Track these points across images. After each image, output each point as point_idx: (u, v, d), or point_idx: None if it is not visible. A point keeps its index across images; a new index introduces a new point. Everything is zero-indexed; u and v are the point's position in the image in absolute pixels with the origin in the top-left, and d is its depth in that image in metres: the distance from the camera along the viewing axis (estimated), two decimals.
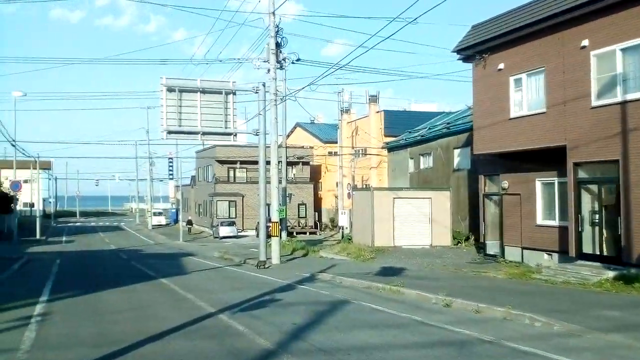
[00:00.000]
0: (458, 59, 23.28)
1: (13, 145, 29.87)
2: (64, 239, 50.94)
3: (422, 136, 35.30)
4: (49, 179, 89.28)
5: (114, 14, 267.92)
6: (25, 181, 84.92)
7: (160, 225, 67.01)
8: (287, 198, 42.36)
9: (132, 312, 12.67)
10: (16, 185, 29.83)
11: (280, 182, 29.75)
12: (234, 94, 26.21)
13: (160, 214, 71.27)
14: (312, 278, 19.46)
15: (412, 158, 36.10)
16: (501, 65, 20.98)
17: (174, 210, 73.30)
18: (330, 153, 55.22)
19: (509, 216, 21.81)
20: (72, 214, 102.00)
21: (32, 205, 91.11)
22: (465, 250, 26.67)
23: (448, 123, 33.97)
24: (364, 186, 46.03)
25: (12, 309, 13.14)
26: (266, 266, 24.11)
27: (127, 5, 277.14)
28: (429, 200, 28.49)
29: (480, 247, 24.94)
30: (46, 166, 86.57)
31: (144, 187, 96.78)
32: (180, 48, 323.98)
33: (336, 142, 49.93)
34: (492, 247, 23.13)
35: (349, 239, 31.55)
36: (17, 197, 67.48)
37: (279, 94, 29.09)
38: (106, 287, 17.10)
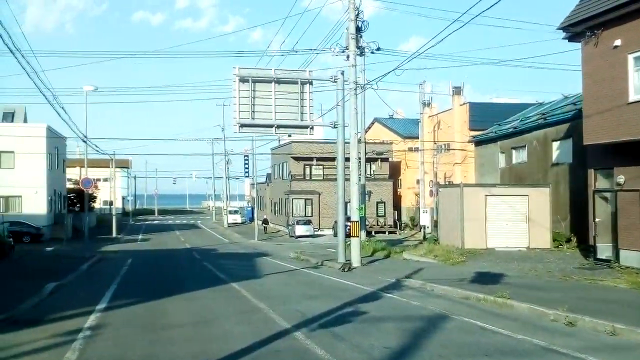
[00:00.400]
0: (563, 38, 20.51)
1: (84, 142, 29.01)
2: (139, 237, 50.61)
3: (514, 128, 32.37)
4: (128, 177, 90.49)
5: (193, 16, 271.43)
6: (105, 179, 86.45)
7: (235, 224, 66.20)
8: (366, 196, 40.29)
9: (194, 327, 10.86)
10: (88, 182, 29.01)
11: (359, 179, 27.67)
12: (311, 83, 24.31)
13: (235, 212, 70.54)
14: (399, 284, 17.29)
15: (502, 152, 33.21)
16: (617, 42, 18.14)
17: (249, 209, 72.44)
18: (410, 149, 52.71)
19: (625, 215, 18.91)
20: (151, 212, 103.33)
21: (110, 203, 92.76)
22: (568, 253, 23.79)
23: (543, 113, 30.95)
24: (447, 183, 43.37)
25: (64, 319, 11.66)
26: (350, 268, 22.13)
27: (206, 6, 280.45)
28: (525, 197, 25.66)
29: (587, 249, 22.09)
30: (125, 165, 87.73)
31: (220, 186, 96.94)
32: (256, 46, 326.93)
33: (416, 138, 47.43)
34: (603, 250, 20.26)
35: (435, 240, 29.08)
36: (95, 194, 68.21)
37: (359, 83, 27.02)
38: (172, 292, 15.52)
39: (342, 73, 24.25)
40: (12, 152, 43.18)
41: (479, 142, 36.91)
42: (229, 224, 64.15)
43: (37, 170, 43.48)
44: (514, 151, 31.99)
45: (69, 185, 62.74)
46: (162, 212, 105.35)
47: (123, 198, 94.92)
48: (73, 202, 60.40)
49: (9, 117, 47.18)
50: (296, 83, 23.91)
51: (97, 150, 41.94)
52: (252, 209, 71.56)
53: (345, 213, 24.74)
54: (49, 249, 37.23)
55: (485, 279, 17.17)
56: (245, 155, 72.79)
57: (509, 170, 32.26)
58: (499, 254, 23.78)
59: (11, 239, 30.60)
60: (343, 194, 24.29)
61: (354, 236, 23.70)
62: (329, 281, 19.01)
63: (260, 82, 23.77)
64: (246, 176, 73.33)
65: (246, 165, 73.10)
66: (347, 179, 24.85)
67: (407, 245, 33.61)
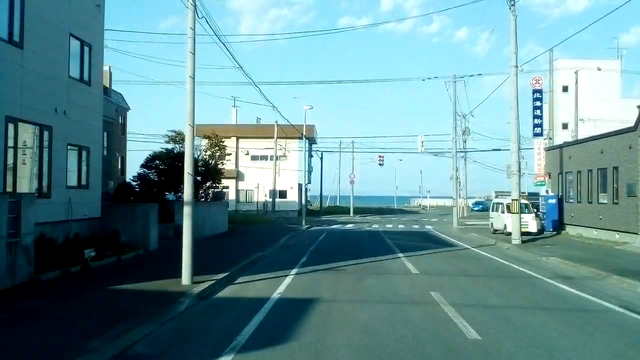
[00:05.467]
0: None
1: None
2: (289, 278, 14.34)
3: None
4: (305, 152, 56.08)
5: (397, 17, 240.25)
6: (270, 157, 53.25)
7: (528, 234, 28.19)
8: None
9: None
10: None
11: None
12: None
13: (524, 208, 30.64)
14: None
15: None
16: None
17: (552, 202, 32.73)
18: None
19: None
20: (342, 211, 68.89)
21: (278, 194, 58.47)
22: None
23: None
24: None
25: None
26: None
27: (411, 7, 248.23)
28: None
29: None
30: (304, 133, 52.87)
31: (462, 167, 59.82)
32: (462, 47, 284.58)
33: None
34: None
35: None
36: (220, 165, 33.56)
37: None
38: None
39: None
40: None
41: None
42: (522, 234, 25.97)
43: None
44: None
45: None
46: (360, 211, 70.15)
47: (300, 187, 60.35)
48: (161, 179, 27.01)
49: None
50: None
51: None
52: (559, 201, 32.73)
53: None
54: None
55: None
56: (535, 90, 34.51)
57: None
58: None
59: None
60: None
61: None
62: None
63: None
64: (536, 134, 34.83)
65: (537, 110, 34.70)
66: None
67: None
